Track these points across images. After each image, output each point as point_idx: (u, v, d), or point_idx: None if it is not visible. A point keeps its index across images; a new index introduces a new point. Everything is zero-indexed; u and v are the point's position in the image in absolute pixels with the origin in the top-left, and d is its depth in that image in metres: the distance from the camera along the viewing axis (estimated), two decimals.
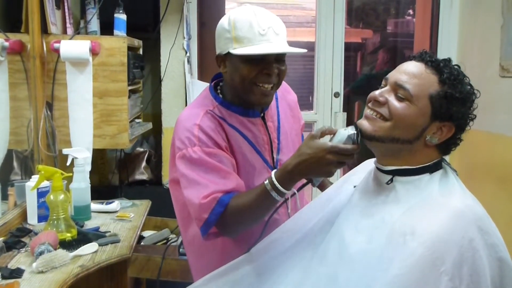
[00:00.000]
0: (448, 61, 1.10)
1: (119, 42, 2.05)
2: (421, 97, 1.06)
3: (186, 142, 1.26)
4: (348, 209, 1.20)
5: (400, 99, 1.08)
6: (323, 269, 1.13)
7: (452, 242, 0.96)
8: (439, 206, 1.03)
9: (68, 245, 1.58)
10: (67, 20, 2.16)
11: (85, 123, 2.02)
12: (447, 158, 1.19)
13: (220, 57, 1.30)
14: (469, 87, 1.09)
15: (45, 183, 1.76)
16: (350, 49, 3.63)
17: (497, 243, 1.02)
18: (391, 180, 1.12)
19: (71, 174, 1.83)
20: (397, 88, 1.09)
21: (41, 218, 1.79)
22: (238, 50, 1.22)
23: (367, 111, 1.13)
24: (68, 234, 1.63)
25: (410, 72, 1.09)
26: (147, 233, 2.13)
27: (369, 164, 1.27)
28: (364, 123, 1.12)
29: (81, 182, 1.87)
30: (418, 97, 1.06)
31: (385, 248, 1.02)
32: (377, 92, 1.11)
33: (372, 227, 1.09)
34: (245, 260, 1.27)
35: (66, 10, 2.15)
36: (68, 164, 1.91)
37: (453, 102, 1.06)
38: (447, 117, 1.07)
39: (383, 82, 1.14)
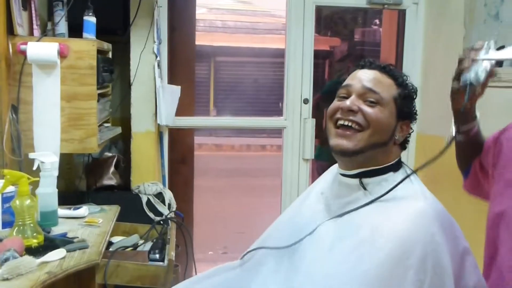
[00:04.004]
0: (392, 65, 1.20)
1: (88, 45, 2.02)
2: (388, 99, 1.14)
3: None
4: (317, 214, 1.23)
5: (371, 104, 1.12)
6: (299, 277, 1.16)
7: (416, 238, 1.02)
8: (403, 204, 1.09)
9: (34, 251, 1.54)
10: (34, 22, 2.11)
11: (52, 127, 1.98)
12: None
13: None
14: (412, 84, 1.21)
15: (11, 188, 1.71)
16: (319, 57, 3.70)
17: (458, 236, 1.09)
18: (361, 182, 1.15)
19: (37, 178, 1.78)
20: (367, 92, 1.13)
21: (6, 224, 1.74)
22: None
23: (339, 123, 1.14)
24: (35, 240, 1.59)
25: (372, 78, 1.16)
26: (116, 239, 2.10)
27: (333, 169, 1.31)
28: (341, 142, 1.13)
29: (48, 187, 1.82)
30: (387, 100, 1.13)
31: (355, 246, 1.06)
32: (348, 102, 1.13)
33: (341, 228, 1.13)
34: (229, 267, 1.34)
35: (33, 12, 2.10)
36: (34, 168, 1.86)
37: (410, 101, 1.18)
38: (406, 115, 1.17)
39: (343, 92, 1.17)
